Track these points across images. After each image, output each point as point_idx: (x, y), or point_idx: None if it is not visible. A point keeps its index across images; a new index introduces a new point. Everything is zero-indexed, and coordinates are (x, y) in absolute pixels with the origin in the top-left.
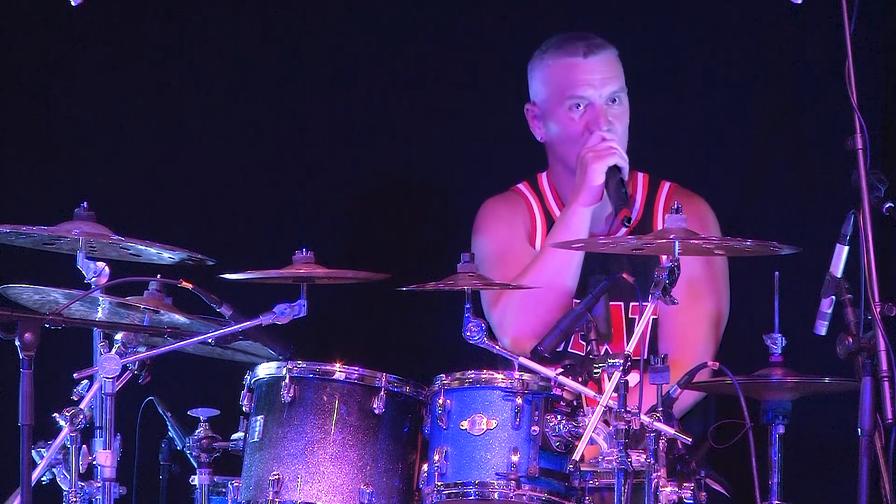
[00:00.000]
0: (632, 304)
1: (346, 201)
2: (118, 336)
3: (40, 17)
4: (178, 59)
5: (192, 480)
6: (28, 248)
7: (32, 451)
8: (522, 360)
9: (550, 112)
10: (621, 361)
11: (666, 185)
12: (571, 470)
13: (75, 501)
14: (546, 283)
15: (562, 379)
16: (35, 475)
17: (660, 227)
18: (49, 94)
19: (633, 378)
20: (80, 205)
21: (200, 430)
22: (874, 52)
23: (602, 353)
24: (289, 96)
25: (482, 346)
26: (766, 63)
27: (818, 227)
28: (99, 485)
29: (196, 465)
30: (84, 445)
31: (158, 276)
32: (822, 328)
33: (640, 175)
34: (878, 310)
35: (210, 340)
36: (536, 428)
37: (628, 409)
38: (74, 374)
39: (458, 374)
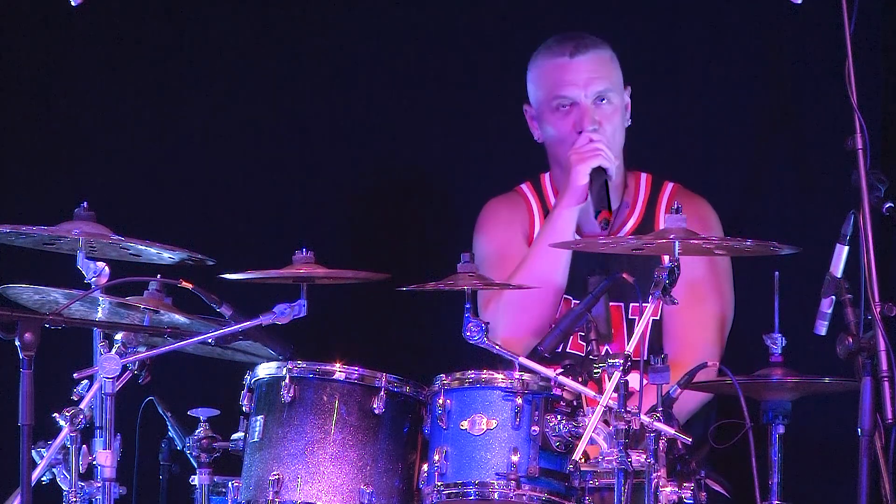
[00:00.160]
0: (632, 304)
1: (346, 201)
2: (118, 336)
3: (40, 17)
4: (178, 59)
5: (192, 480)
6: (28, 248)
7: (32, 451)
8: (522, 360)
9: (542, 113)
10: (621, 361)
11: (669, 186)
12: (571, 470)
13: (75, 501)
14: (535, 283)
15: (562, 379)
16: (35, 475)
17: (661, 227)
18: (49, 94)
19: (634, 380)
20: (80, 205)
21: (200, 430)
22: (874, 52)
23: (603, 353)
24: (289, 96)
25: (482, 346)
26: (766, 63)
27: (818, 227)
28: (99, 485)
29: (196, 465)
30: (84, 445)
31: (158, 276)
32: (822, 328)
33: (644, 175)
34: (878, 310)
35: (210, 340)
36: (536, 428)
37: (628, 409)
38: (74, 374)
39: (458, 374)
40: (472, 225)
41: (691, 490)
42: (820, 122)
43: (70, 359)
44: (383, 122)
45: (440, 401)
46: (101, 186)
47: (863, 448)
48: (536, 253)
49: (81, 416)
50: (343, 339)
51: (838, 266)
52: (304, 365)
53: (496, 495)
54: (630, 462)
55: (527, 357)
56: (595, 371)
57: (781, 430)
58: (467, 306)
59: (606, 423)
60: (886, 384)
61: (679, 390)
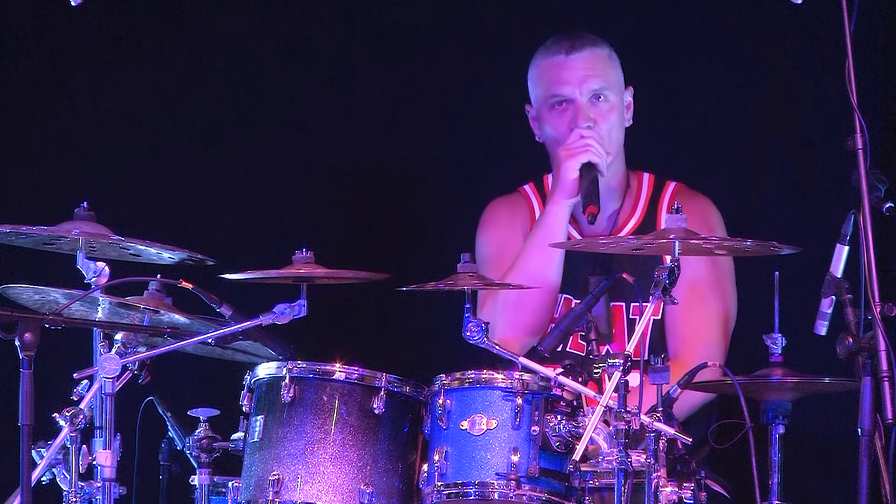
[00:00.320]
0: (633, 304)
1: (346, 201)
2: (118, 336)
3: (40, 17)
4: (178, 58)
5: (192, 480)
6: (28, 248)
7: (32, 451)
8: (523, 360)
9: (541, 112)
10: (621, 361)
11: (671, 186)
12: (571, 470)
13: (75, 501)
14: (529, 280)
15: (562, 379)
16: (35, 475)
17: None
18: (49, 94)
19: (634, 379)
20: (80, 205)
21: (200, 430)
22: (874, 52)
23: (603, 353)
24: (289, 96)
25: (482, 346)
26: (766, 63)
27: (818, 227)
28: (99, 485)
29: (196, 465)
30: (84, 445)
31: (158, 276)
32: (822, 328)
33: (646, 175)
34: (878, 310)
35: (210, 340)
36: (536, 428)
37: (628, 409)
38: (74, 374)
39: (458, 374)
40: (473, 225)
41: (691, 490)
42: (820, 122)
43: (70, 359)
44: (383, 122)
45: (440, 401)
46: (101, 186)
47: (863, 448)
48: (529, 250)
49: (81, 416)
50: (343, 339)
51: (838, 266)
52: (304, 365)
53: (496, 495)
54: (630, 462)
55: (526, 356)
56: (595, 371)
57: (781, 430)
58: (467, 306)
59: (606, 423)
60: (886, 384)
61: (679, 390)
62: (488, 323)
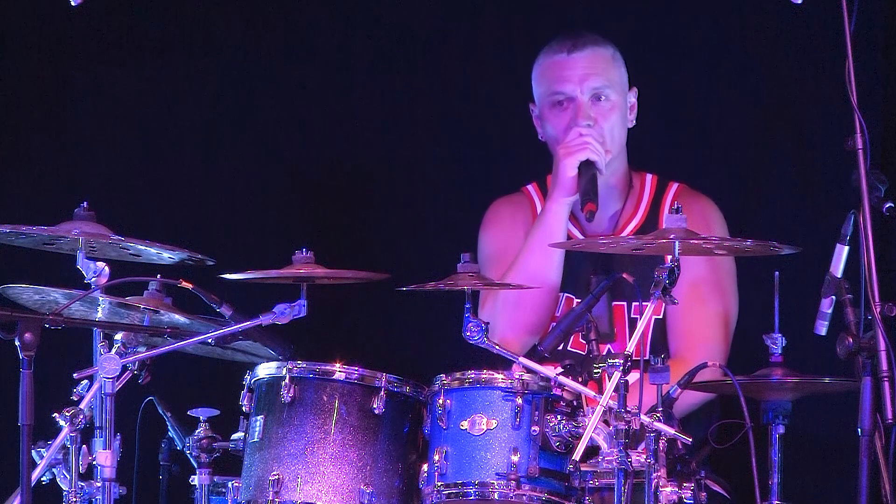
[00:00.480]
0: (634, 304)
1: (346, 201)
2: (118, 336)
3: (40, 17)
4: (178, 58)
5: (192, 480)
6: (28, 248)
7: (32, 451)
8: (523, 360)
9: (543, 111)
10: (621, 361)
11: (674, 187)
12: (571, 470)
13: (75, 501)
14: (529, 279)
15: (562, 379)
16: (35, 475)
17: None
18: (49, 94)
19: (633, 377)
20: (80, 205)
21: (200, 430)
22: (874, 52)
23: (604, 353)
24: (289, 96)
25: (482, 346)
26: (766, 63)
27: (818, 227)
28: (99, 485)
29: (196, 465)
30: (84, 445)
31: (158, 276)
32: (822, 328)
33: (649, 176)
34: (878, 310)
35: (210, 340)
36: (536, 428)
37: (628, 409)
38: (74, 374)
39: (458, 374)
40: (473, 225)
41: (691, 490)
42: (820, 122)
43: (70, 359)
44: (384, 122)
45: (440, 401)
46: (101, 186)
47: (863, 448)
48: (529, 249)
49: (81, 416)
50: (343, 339)
51: (838, 266)
52: (304, 365)
53: (496, 495)
54: (630, 462)
55: (526, 356)
56: (595, 371)
57: (781, 430)
58: (467, 306)
59: (606, 423)
60: (886, 384)
61: (679, 390)
62: (488, 323)
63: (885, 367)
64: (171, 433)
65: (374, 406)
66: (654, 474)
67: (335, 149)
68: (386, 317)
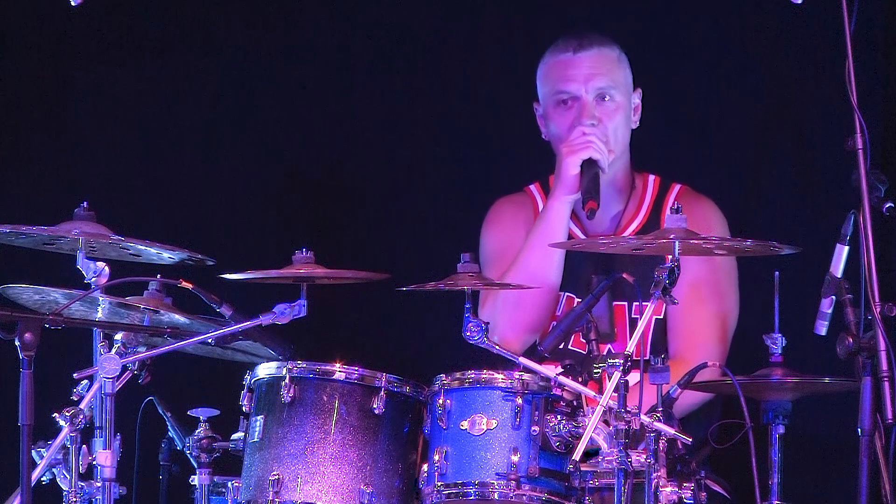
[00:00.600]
0: (635, 304)
1: (346, 201)
2: (118, 336)
3: (40, 17)
4: (178, 58)
5: (192, 480)
6: (28, 248)
7: (32, 451)
8: (523, 359)
9: (547, 110)
10: (621, 361)
11: (676, 188)
12: (571, 470)
13: (75, 501)
14: (530, 277)
15: (562, 379)
16: (35, 475)
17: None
18: (49, 94)
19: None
20: (80, 205)
21: (200, 430)
22: (874, 52)
23: (605, 352)
24: (289, 96)
25: (482, 346)
26: (766, 63)
27: (818, 227)
28: (99, 485)
29: (196, 465)
30: (84, 445)
31: (158, 276)
32: (822, 328)
33: (651, 177)
34: (878, 310)
35: (210, 340)
36: (536, 428)
37: (628, 409)
38: (74, 374)
39: (458, 374)
40: (473, 225)
41: (691, 490)
42: (820, 122)
43: (70, 359)
44: (384, 122)
45: (440, 401)
46: (101, 186)
47: (863, 448)
48: (530, 246)
49: (81, 416)
50: (343, 339)
51: (838, 266)
52: (304, 365)
53: (496, 495)
54: (630, 462)
55: (526, 356)
56: (595, 371)
57: (781, 430)
58: (467, 306)
59: (606, 423)
60: (886, 384)
61: (679, 390)
62: (488, 323)
63: (885, 367)
64: (171, 433)
65: (374, 406)
66: (654, 474)
67: (335, 149)
68: (386, 317)
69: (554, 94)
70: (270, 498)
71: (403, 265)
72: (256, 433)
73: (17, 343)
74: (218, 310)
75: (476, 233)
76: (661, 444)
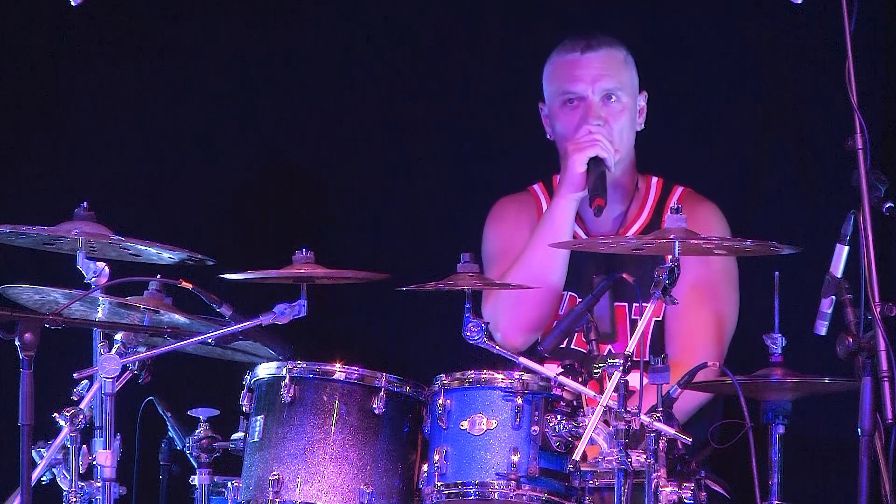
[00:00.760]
0: (636, 304)
1: (346, 201)
2: (118, 336)
3: (40, 17)
4: (178, 58)
5: (192, 480)
6: (28, 248)
7: (32, 451)
8: (523, 359)
9: (553, 109)
10: (621, 361)
11: (678, 190)
12: (571, 470)
13: (75, 501)
14: (533, 275)
15: (562, 379)
16: (35, 475)
17: None
18: (49, 94)
19: (634, 380)
20: (80, 205)
21: (200, 430)
22: (874, 52)
23: (605, 352)
24: (290, 95)
25: (482, 346)
26: (766, 63)
27: (818, 227)
28: (99, 485)
29: (196, 465)
30: (84, 445)
31: (158, 276)
32: (822, 328)
33: (654, 179)
34: (878, 310)
35: (210, 340)
36: (536, 428)
37: (628, 409)
38: (74, 374)
39: (458, 374)
40: (473, 224)
41: (691, 490)
42: (820, 122)
43: (70, 359)
44: (384, 121)
45: (440, 401)
46: (101, 186)
47: (863, 448)
48: (535, 244)
49: (81, 416)
50: (343, 339)
51: (838, 266)
52: (304, 365)
53: (496, 495)
54: (630, 462)
55: (526, 355)
56: (595, 371)
57: (781, 430)
58: (467, 306)
59: (606, 423)
60: (886, 384)
61: (679, 390)
62: (488, 323)
63: (885, 367)
64: (171, 433)
65: (374, 406)
66: (654, 474)
67: (335, 149)
68: (386, 317)
69: (560, 93)
70: (270, 498)
71: (403, 265)
72: (256, 433)
73: (17, 343)
74: (218, 310)
75: (476, 233)
76: (661, 444)
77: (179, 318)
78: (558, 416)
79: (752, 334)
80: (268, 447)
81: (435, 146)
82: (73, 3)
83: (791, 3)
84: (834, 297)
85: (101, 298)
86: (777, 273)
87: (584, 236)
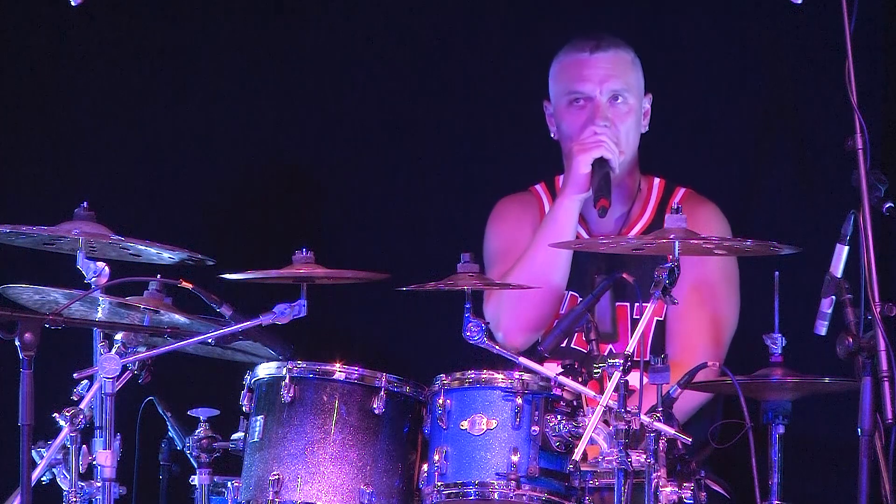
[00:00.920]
0: (637, 304)
1: (346, 201)
2: (118, 336)
3: (40, 17)
4: (178, 58)
5: (192, 480)
6: (28, 248)
7: (32, 451)
8: (523, 359)
9: (559, 109)
10: (621, 361)
11: (680, 191)
12: (571, 470)
13: (75, 501)
14: (535, 275)
15: (562, 379)
16: (35, 475)
17: None
18: (49, 94)
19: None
20: (80, 205)
21: (200, 430)
22: (874, 52)
23: (606, 352)
24: (290, 95)
25: (482, 346)
26: (766, 63)
27: (818, 227)
28: (99, 485)
29: (196, 465)
30: (84, 445)
31: (158, 276)
32: (822, 328)
33: (657, 180)
34: (878, 310)
35: (210, 340)
36: (536, 428)
37: (628, 409)
38: (74, 374)
39: (458, 374)
40: (473, 224)
41: (691, 490)
42: (820, 122)
43: (70, 359)
44: (384, 121)
45: (440, 401)
46: (101, 186)
47: (863, 448)
48: (538, 244)
49: (81, 416)
50: (343, 339)
51: (838, 266)
52: (304, 365)
53: (496, 495)
54: (630, 462)
55: (526, 355)
56: (595, 371)
57: (781, 430)
58: (467, 306)
59: (606, 423)
60: (886, 384)
61: (679, 390)
62: (488, 323)
63: (885, 367)
64: (171, 433)
65: (374, 406)
66: (654, 474)
67: (335, 149)
68: (386, 317)
69: (567, 93)
70: (270, 498)
71: (403, 265)
72: (256, 433)
73: (17, 343)
74: (218, 310)
75: (477, 233)
76: (661, 444)
77: (179, 318)
78: (558, 416)
79: (752, 334)
80: (268, 447)
81: (435, 146)
82: (73, 3)
83: (791, 3)
84: (834, 297)
85: (101, 298)
86: (777, 273)
87: (587, 236)
